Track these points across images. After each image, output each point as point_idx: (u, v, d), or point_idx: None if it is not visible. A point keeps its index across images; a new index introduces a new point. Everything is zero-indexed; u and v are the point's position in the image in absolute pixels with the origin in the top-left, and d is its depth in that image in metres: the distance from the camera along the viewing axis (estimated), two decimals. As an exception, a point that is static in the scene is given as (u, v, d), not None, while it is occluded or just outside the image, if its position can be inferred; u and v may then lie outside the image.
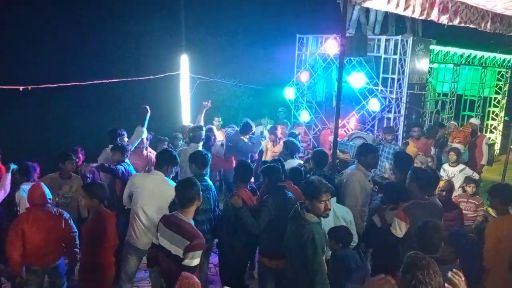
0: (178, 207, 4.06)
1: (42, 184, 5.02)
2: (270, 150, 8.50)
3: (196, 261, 3.79)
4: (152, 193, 4.96)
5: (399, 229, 4.65)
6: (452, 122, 11.07)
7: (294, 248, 4.14)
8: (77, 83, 6.40)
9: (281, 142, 7.99)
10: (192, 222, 3.99)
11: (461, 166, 8.06)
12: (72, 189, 6.08)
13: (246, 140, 7.91)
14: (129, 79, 7.36)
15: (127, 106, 12.09)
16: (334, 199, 4.83)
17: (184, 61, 8.82)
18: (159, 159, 5.28)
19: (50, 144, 6.92)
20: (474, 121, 10.68)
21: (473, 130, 10.06)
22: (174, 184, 4.58)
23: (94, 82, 6.64)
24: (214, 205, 5.33)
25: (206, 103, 7.96)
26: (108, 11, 13.74)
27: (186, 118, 8.96)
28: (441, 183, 6.41)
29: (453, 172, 7.97)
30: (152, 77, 7.80)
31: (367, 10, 10.35)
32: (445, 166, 8.22)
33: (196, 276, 3.63)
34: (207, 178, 5.38)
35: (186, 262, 3.76)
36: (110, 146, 6.26)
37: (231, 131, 8.20)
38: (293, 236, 4.15)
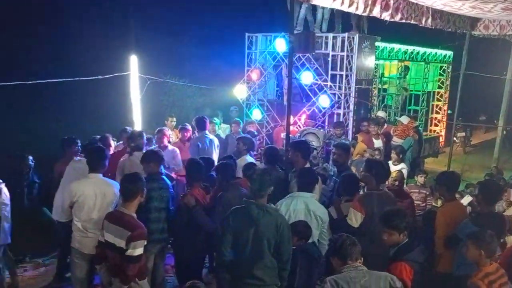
0: (121, 200, 4.26)
1: None
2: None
3: (138, 251, 3.99)
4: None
5: (355, 219, 4.77)
6: (380, 113, 11.01)
7: (272, 236, 3.99)
8: (21, 82, 6.15)
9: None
10: (134, 215, 4.16)
11: (402, 165, 7.97)
12: None
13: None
14: (77, 78, 7.14)
15: (75, 107, 11.77)
16: (310, 195, 4.73)
17: (134, 61, 8.67)
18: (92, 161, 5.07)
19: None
20: (381, 113, 10.98)
21: (381, 123, 10.14)
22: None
23: (40, 81, 6.39)
24: (172, 205, 5.27)
25: None
26: (57, 11, 13.32)
27: (137, 119, 8.80)
28: (394, 174, 6.62)
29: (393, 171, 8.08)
30: (100, 77, 7.61)
31: (314, 8, 10.55)
32: (390, 162, 8.33)
33: (143, 267, 4.09)
34: (164, 177, 5.29)
35: (129, 252, 3.96)
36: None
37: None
38: (271, 225, 4.00)
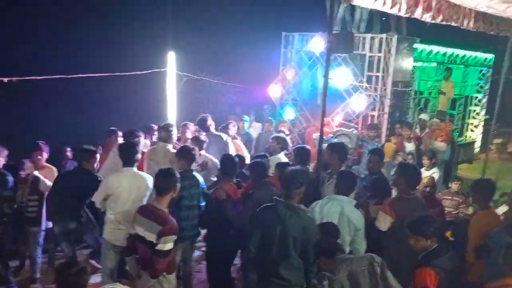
0: (154, 195, 4.36)
1: None
2: None
3: (168, 246, 4.02)
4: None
5: (384, 223, 4.71)
6: (423, 116, 10.67)
7: (298, 237, 3.96)
8: (63, 76, 6.36)
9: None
10: (166, 210, 4.20)
11: (434, 170, 7.78)
12: None
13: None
14: (116, 73, 7.33)
15: (113, 102, 12.06)
16: (348, 199, 4.63)
17: (171, 58, 8.79)
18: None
19: (28, 138, 6.89)
20: (424, 116, 10.63)
21: (424, 126, 10.02)
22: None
23: (80, 76, 6.60)
24: (203, 201, 5.31)
25: None
26: (96, 7, 13.67)
27: (172, 115, 8.92)
28: (425, 179, 6.51)
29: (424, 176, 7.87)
30: (139, 72, 7.79)
31: (352, 8, 10.45)
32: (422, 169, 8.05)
33: (172, 261, 4.15)
34: (195, 174, 5.34)
35: (159, 246, 3.99)
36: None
37: None
38: (298, 225, 3.97)
